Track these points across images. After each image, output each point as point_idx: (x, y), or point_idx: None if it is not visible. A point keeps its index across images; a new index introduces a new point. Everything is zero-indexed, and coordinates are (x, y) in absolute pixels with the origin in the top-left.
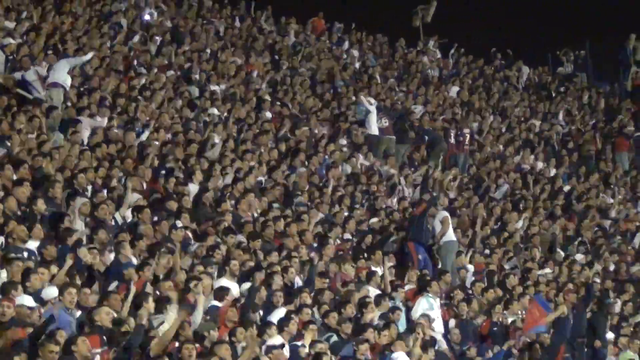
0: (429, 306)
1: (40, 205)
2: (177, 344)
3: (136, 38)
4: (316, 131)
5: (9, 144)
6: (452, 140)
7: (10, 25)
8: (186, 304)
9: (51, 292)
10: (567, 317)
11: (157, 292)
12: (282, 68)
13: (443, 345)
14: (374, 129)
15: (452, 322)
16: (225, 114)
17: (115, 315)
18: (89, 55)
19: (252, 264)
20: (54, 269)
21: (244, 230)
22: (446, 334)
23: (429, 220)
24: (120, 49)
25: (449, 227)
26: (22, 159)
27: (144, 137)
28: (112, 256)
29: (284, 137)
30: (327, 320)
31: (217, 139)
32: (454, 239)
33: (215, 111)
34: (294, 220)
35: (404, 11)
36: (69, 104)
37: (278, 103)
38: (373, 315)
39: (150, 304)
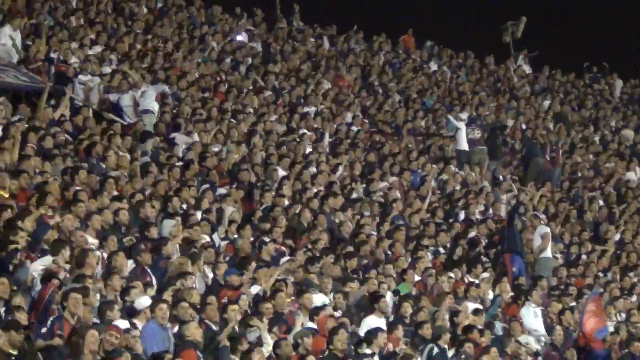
0: (533, 315)
1: (122, 216)
2: None
3: (227, 60)
4: (409, 145)
5: (103, 165)
6: (547, 156)
7: (100, 49)
8: None
9: (144, 301)
10: None
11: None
12: (373, 85)
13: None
14: (463, 144)
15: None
16: (316, 125)
17: (213, 326)
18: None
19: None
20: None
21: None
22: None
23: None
24: (210, 69)
25: (549, 243)
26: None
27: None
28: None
29: (376, 151)
30: (421, 332)
31: (308, 149)
32: (550, 255)
33: (306, 131)
34: (388, 235)
35: (494, 27)
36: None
37: (366, 120)
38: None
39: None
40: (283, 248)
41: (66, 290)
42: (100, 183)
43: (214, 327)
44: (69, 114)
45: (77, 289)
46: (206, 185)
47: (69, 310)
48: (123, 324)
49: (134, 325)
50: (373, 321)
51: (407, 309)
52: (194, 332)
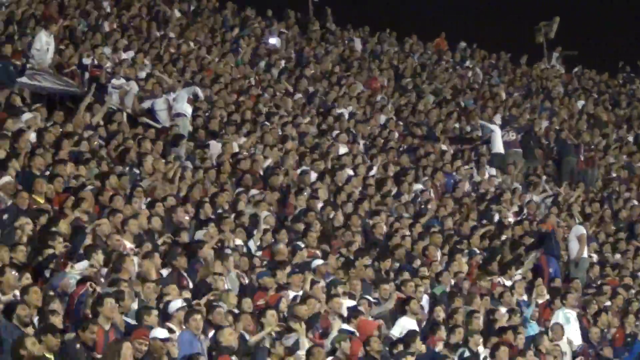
0: (565, 320)
1: (155, 223)
2: None
3: (261, 64)
4: (443, 147)
5: (137, 171)
6: (582, 156)
7: (129, 55)
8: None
9: (175, 304)
10: None
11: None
12: (406, 88)
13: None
14: (498, 147)
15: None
16: (349, 127)
17: (247, 335)
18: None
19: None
20: (185, 293)
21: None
22: (584, 340)
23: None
24: (243, 72)
25: (585, 244)
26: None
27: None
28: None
29: (409, 153)
30: (453, 336)
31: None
32: (586, 255)
33: (340, 132)
34: (422, 238)
35: (527, 28)
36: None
37: (401, 122)
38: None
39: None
40: (318, 253)
41: (101, 293)
42: (130, 190)
43: (248, 337)
44: (104, 121)
45: (111, 294)
46: (240, 189)
47: (104, 315)
48: (162, 333)
49: (170, 331)
50: (406, 322)
51: (440, 312)
52: (229, 337)
